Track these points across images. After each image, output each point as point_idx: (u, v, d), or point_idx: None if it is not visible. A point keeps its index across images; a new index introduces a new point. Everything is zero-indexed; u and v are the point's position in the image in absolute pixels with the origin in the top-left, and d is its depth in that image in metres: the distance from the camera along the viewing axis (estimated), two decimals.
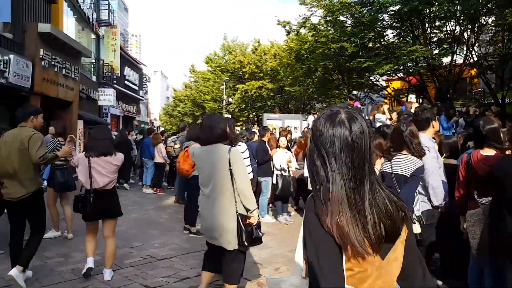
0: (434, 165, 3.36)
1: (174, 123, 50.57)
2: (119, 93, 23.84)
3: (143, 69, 35.05)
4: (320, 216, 1.09)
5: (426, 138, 3.47)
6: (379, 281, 1.12)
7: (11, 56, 9.24)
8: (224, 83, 23.97)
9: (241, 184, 2.98)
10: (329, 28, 16.72)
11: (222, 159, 2.98)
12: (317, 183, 1.14)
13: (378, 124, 6.84)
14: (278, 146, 7.40)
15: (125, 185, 11.03)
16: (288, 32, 18.58)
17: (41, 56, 10.83)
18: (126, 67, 27.34)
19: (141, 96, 33.24)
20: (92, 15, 19.21)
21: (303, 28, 17.74)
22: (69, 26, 16.21)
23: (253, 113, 26.22)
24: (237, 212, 2.98)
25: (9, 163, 3.74)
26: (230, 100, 24.76)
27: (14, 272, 3.60)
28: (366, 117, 8.40)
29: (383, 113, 8.22)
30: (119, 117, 26.97)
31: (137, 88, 31.02)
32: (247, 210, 3.03)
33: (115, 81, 23.05)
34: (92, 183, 3.85)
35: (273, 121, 19.00)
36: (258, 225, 3.08)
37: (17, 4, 10.43)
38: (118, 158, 3.99)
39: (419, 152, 3.17)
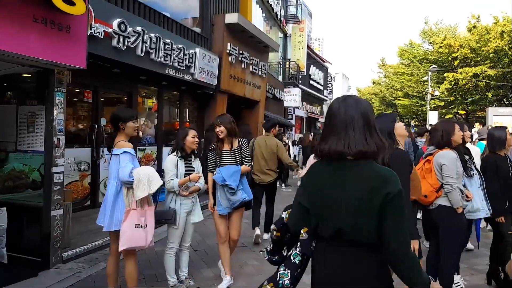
0: None
1: None
2: (304, 93, 22.75)
3: (328, 68, 33.57)
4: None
5: None
6: None
7: (197, 49, 8.46)
8: (429, 72, 19.59)
9: None
10: None
11: None
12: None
13: None
14: None
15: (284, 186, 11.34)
16: None
17: (228, 51, 10.00)
18: (312, 65, 26.18)
19: (325, 96, 31.78)
20: (280, 11, 18.52)
21: None
22: (257, 25, 15.70)
23: (464, 109, 20.84)
24: None
25: (262, 161, 5.40)
26: (437, 93, 20.18)
27: (258, 231, 5.39)
28: None
29: None
30: (302, 119, 26.09)
31: (321, 87, 29.65)
32: None
33: (300, 81, 22.04)
34: None
35: (503, 117, 14.33)
36: None
37: None
38: None
39: None
